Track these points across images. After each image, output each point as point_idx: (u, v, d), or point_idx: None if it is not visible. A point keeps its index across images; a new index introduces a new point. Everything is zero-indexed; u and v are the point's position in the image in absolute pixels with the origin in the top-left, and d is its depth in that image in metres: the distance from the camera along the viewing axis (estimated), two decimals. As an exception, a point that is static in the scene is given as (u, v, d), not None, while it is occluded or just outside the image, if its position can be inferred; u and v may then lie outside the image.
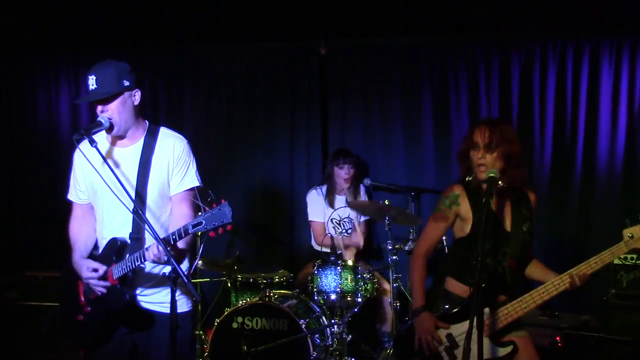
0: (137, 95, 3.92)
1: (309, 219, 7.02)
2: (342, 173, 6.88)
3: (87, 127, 3.79)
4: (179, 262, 3.79)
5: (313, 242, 7.07)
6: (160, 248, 3.48)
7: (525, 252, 4.04)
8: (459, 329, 4.00)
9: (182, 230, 3.48)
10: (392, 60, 7.46)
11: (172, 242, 3.55)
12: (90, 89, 3.80)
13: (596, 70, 6.97)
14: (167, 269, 3.55)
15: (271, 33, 7.44)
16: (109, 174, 3.69)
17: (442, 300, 4.13)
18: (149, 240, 3.76)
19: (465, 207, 4.09)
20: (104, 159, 3.70)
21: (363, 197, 7.10)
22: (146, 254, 3.59)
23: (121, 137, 3.94)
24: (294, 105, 7.67)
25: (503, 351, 3.85)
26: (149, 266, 3.84)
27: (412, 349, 4.15)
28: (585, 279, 3.71)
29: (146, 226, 3.58)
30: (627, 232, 3.58)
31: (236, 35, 7.49)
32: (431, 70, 7.37)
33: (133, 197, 3.75)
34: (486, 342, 3.84)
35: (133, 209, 3.61)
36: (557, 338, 5.44)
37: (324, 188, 7.01)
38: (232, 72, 7.77)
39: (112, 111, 3.81)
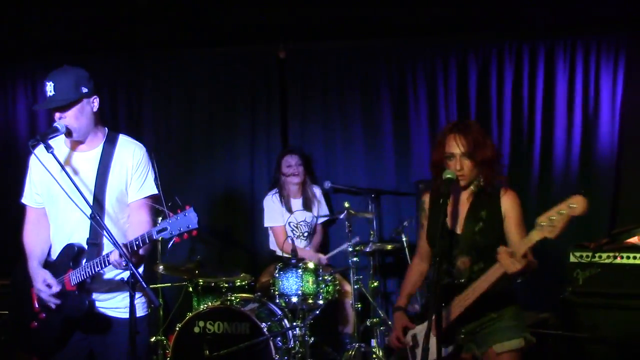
0: (95, 102, 3.92)
1: (266, 224, 7.03)
2: (291, 169, 6.90)
3: (44, 132, 3.80)
4: (137, 267, 3.76)
5: (273, 246, 7.06)
6: (120, 254, 3.48)
7: (483, 254, 3.90)
8: (420, 329, 4.05)
9: (147, 236, 3.49)
10: (351, 63, 7.49)
11: (134, 249, 3.55)
12: (47, 95, 3.79)
13: (551, 70, 7.04)
14: (126, 274, 3.55)
15: (230, 37, 7.43)
16: (65, 179, 3.68)
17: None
18: (107, 245, 3.74)
19: (426, 212, 4.16)
20: (61, 165, 3.70)
21: (320, 200, 7.12)
22: (108, 259, 3.58)
23: (80, 143, 3.93)
24: (253, 110, 7.66)
25: (449, 349, 3.82)
26: (107, 271, 3.82)
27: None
28: (513, 266, 3.61)
29: (105, 232, 3.57)
30: (539, 221, 3.52)
31: (195, 39, 7.48)
32: (389, 72, 7.41)
33: (91, 202, 3.75)
34: (434, 340, 3.84)
35: (91, 215, 3.59)
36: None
37: (278, 193, 7.02)
38: (191, 77, 7.74)
39: (70, 118, 3.81)
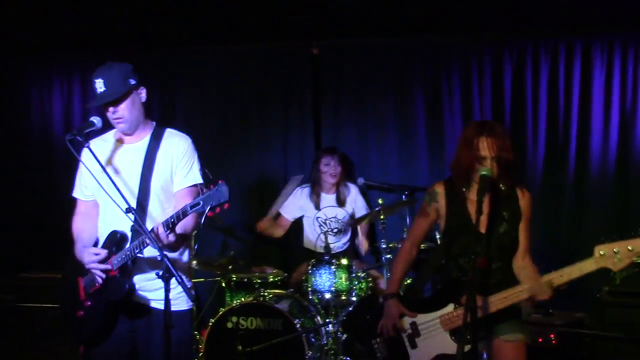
0: (143, 93, 4.04)
1: (279, 209, 7.07)
2: (329, 169, 6.88)
3: (80, 127, 3.87)
4: (179, 247, 3.88)
5: (305, 244, 7.07)
6: (160, 231, 3.57)
7: (505, 254, 3.99)
8: (424, 319, 4.07)
9: (181, 212, 3.53)
10: (385, 60, 7.48)
11: (170, 225, 3.58)
12: (98, 92, 3.87)
13: (588, 69, 6.97)
14: (158, 269, 3.56)
15: (264, 33, 7.44)
16: (110, 171, 3.80)
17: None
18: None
19: (442, 205, 4.13)
20: (98, 160, 3.78)
21: (357, 198, 7.09)
22: (146, 240, 3.61)
23: (129, 135, 4.03)
24: (286, 106, 7.68)
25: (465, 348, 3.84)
26: (148, 256, 3.85)
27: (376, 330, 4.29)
28: (542, 294, 3.70)
29: (137, 225, 3.63)
30: (598, 250, 3.49)
31: (229, 36, 7.50)
32: (424, 69, 7.39)
33: (137, 191, 3.89)
34: (446, 337, 3.95)
35: (127, 209, 3.61)
36: (551, 335, 5.45)
37: (308, 189, 7.03)
38: (225, 73, 7.78)
39: (123, 111, 3.91)
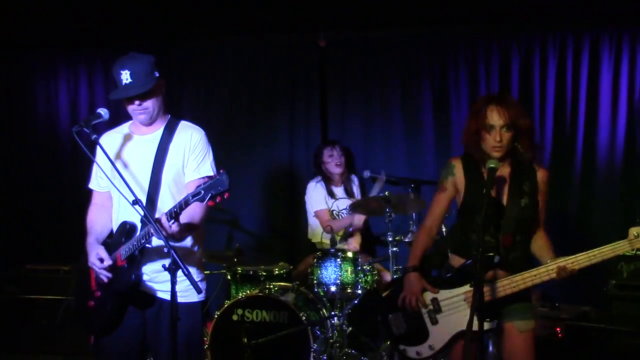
0: (164, 85, 4.03)
1: (314, 209, 6.94)
2: (334, 160, 6.87)
3: (87, 118, 3.83)
4: (184, 237, 3.87)
5: (310, 236, 7.06)
6: (164, 221, 3.57)
7: (524, 227, 3.95)
8: (446, 295, 4.04)
9: (183, 202, 3.51)
10: (392, 52, 7.46)
11: (173, 215, 3.57)
12: (123, 83, 3.83)
13: (596, 61, 6.96)
14: (167, 261, 3.56)
15: (270, 25, 7.43)
16: (120, 164, 3.82)
17: (445, 271, 4.15)
18: None
19: (460, 177, 4.09)
20: (106, 153, 3.77)
21: (356, 189, 7.09)
22: (150, 230, 3.60)
23: (145, 126, 4.03)
24: (293, 98, 7.67)
25: (485, 325, 3.75)
26: (155, 246, 3.85)
27: (394, 305, 4.21)
28: (574, 272, 3.69)
29: (145, 218, 3.63)
30: (633, 231, 3.51)
31: (235, 28, 7.49)
32: (431, 61, 7.37)
33: (148, 181, 3.90)
34: (468, 314, 3.83)
35: (133, 201, 3.60)
36: (557, 329, 5.44)
37: (322, 180, 7.01)
38: (232, 65, 7.78)
39: (149, 103, 3.91)
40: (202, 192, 3.40)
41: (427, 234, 4.23)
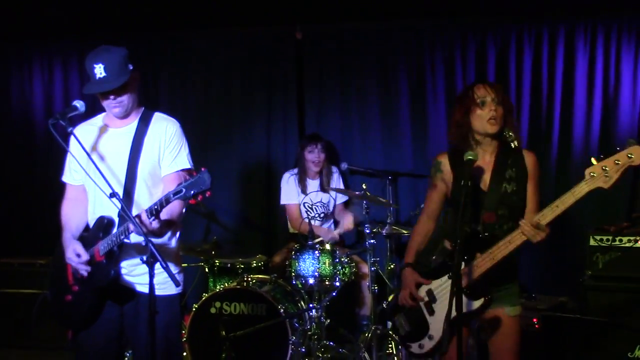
0: (138, 78, 3.98)
1: (282, 202, 7.03)
2: (312, 157, 6.87)
3: (63, 111, 3.80)
4: (164, 233, 3.86)
5: (289, 226, 7.06)
6: (144, 218, 3.54)
7: (514, 213, 3.92)
8: (438, 284, 4.07)
9: (164, 199, 3.49)
10: (369, 45, 7.45)
11: (154, 212, 3.55)
12: (97, 77, 3.79)
13: (571, 54, 6.98)
14: (145, 255, 3.54)
15: (247, 18, 7.40)
16: (96, 157, 3.76)
17: (439, 256, 4.15)
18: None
19: (447, 173, 4.12)
20: (82, 146, 3.74)
21: (337, 181, 7.10)
22: (130, 226, 3.58)
23: (120, 119, 3.99)
24: (270, 90, 7.64)
25: (476, 303, 3.83)
26: (134, 242, 3.84)
27: (398, 306, 4.29)
28: (542, 228, 3.64)
29: (122, 212, 3.61)
30: (589, 172, 3.47)
31: (212, 20, 7.45)
32: (408, 54, 7.37)
33: (125, 176, 3.87)
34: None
35: (110, 194, 3.58)
36: (535, 320, 5.47)
37: (297, 174, 7.00)
38: (208, 57, 7.74)
39: (125, 97, 3.88)
40: (184, 190, 3.38)
41: (423, 228, 4.29)
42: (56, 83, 7.92)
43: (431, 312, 4.10)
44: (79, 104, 3.82)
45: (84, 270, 3.82)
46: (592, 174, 3.47)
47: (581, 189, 3.54)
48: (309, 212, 6.91)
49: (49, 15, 7.01)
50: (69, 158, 4.13)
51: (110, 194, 3.56)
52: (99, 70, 3.77)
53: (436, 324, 4.05)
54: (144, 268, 3.51)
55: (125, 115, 3.98)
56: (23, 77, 8.01)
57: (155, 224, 3.59)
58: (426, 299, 4.11)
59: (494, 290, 3.92)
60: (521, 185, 4.00)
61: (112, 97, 3.84)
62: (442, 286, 4.04)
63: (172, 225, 3.92)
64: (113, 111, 3.94)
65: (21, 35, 7.80)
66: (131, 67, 3.88)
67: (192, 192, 3.35)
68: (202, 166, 3.41)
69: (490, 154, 4.05)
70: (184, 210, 3.95)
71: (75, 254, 3.81)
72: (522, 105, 7.07)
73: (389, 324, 6.31)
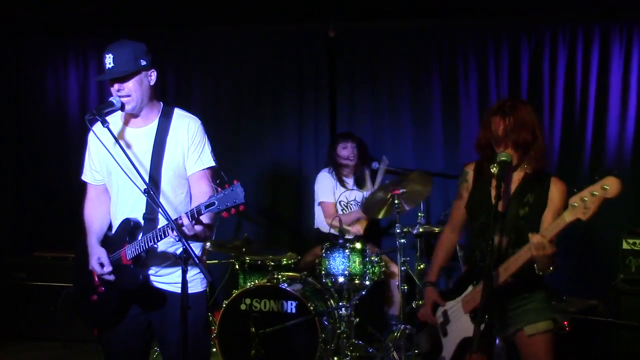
0: (153, 76, 3.93)
1: (320, 199, 6.97)
2: (346, 153, 6.87)
3: (99, 107, 3.80)
4: (205, 238, 3.81)
5: (318, 225, 7.07)
6: (185, 222, 3.50)
7: (521, 239, 3.74)
8: (451, 305, 4.04)
9: (195, 211, 3.47)
10: (401, 43, 7.44)
11: (195, 216, 3.51)
12: (107, 67, 3.80)
13: (606, 55, 6.93)
14: (179, 250, 3.56)
15: (279, 15, 7.41)
16: (121, 154, 3.70)
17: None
18: (162, 221, 3.74)
19: (471, 184, 4.08)
20: (116, 139, 3.71)
21: (369, 180, 7.09)
22: (167, 230, 3.57)
23: (135, 117, 3.94)
24: (302, 89, 7.66)
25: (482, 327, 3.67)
26: (162, 246, 3.83)
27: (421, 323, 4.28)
28: (547, 244, 3.50)
29: (160, 209, 3.59)
30: (571, 202, 3.35)
31: (244, 17, 7.47)
32: (440, 53, 7.35)
33: (148, 175, 3.79)
34: (466, 318, 3.86)
35: (145, 190, 3.60)
36: (565, 322, 5.43)
37: (333, 171, 7.00)
38: (240, 55, 7.75)
39: (129, 89, 3.82)
40: (217, 202, 3.36)
41: (446, 243, 4.27)
42: (91, 78, 7.96)
43: (444, 333, 4.07)
44: (115, 100, 3.80)
45: (108, 278, 3.84)
46: (574, 204, 3.36)
47: (563, 220, 3.44)
48: (344, 210, 6.91)
49: (86, 10, 7.07)
50: (87, 156, 4.13)
51: (144, 190, 3.58)
52: (108, 61, 3.79)
53: (448, 346, 4.02)
54: (171, 268, 3.51)
55: (137, 113, 3.91)
56: (58, 72, 8.07)
57: (197, 228, 3.55)
58: (441, 319, 4.09)
59: (508, 308, 3.86)
60: (535, 211, 3.85)
61: (116, 86, 3.81)
62: (454, 307, 4.01)
63: (212, 229, 3.90)
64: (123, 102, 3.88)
65: (57, 30, 7.86)
66: (144, 63, 3.85)
67: (225, 205, 3.35)
68: (234, 169, 3.40)
69: (520, 174, 3.93)
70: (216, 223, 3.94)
71: (99, 263, 3.83)
72: (556, 106, 7.03)
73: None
